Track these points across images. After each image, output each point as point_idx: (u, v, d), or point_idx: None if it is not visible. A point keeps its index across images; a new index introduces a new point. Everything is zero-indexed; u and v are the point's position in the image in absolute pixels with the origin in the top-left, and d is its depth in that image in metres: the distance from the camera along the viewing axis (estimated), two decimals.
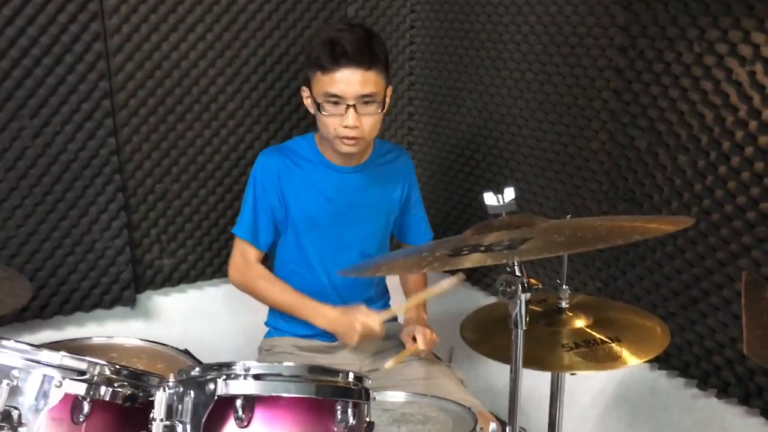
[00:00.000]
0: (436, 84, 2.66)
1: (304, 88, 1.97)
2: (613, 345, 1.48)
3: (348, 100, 1.85)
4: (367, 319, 1.92)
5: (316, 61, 1.86)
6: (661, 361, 2.04)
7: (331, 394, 1.25)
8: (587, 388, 2.29)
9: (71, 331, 2.24)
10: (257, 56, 2.36)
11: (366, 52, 1.85)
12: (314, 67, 1.87)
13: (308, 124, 2.46)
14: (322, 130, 1.95)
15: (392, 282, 2.27)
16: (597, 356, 1.45)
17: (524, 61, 2.28)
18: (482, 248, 1.25)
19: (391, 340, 2.08)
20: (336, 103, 1.86)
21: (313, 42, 1.92)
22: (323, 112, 1.88)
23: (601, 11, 2.01)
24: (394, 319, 2.18)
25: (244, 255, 2.05)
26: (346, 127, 1.87)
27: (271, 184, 2.01)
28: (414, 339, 1.95)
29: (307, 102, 1.97)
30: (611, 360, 1.45)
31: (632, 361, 1.45)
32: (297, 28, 2.40)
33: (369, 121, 1.89)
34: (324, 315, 1.99)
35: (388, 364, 1.84)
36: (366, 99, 1.86)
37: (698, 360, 1.95)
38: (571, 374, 1.58)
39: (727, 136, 1.77)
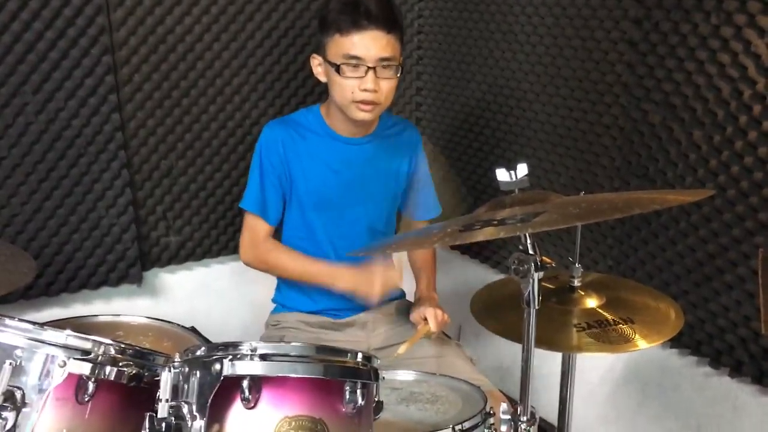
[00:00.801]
0: (445, 58, 2.61)
1: (315, 55, 1.93)
2: (625, 327, 1.46)
3: (368, 62, 1.82)
4: (387, 273, 1.90)
5: (334, 23, 1.83)
6: (672, 340, 2.01)
7: (339, 375, 1.23)
8: (597, 366, 2.27)
9: (77, 309, 2.23)
10: (263, 30, 2.32)
11: (389, 14, 1.83)
12: (332, 29, 1.84)
13: (315, 99, 2.43)
14: (336, 97, 1.90)
15: None
16: (609, 338, 1.43)
17: (535, 33, 2.23)
18: (495, 222, 1.23)
19: (401, 318, 2.06)
20: (356, 66, 1.83)
21: (330, 5, 1.88)
22: (342, 75, 1.84)
23: None
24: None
25: (254, 232, 2.03)
26: (364, 90, 1.83)
27: (276, 156, 1.98)
28: (425, 320, 1.93)
29: (318, 70, 1.93)
30: (624, 342, 1.43)
31: (645, 344, 1.43)
32: (303, 0, 2.35)
33: (387, 86, 1.86)
34: (342, 278, 1.95)
35: (401, 349, 1.83)
36: (385, 62, 1.84)
37: (711, 338, 1.93)
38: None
39: (744, 110, 1.73)
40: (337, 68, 1.84)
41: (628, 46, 1.96)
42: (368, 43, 1.81)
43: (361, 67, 1.83)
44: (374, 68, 1.82)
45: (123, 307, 2.27)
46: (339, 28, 1.83)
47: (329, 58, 1.87)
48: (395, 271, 1.92)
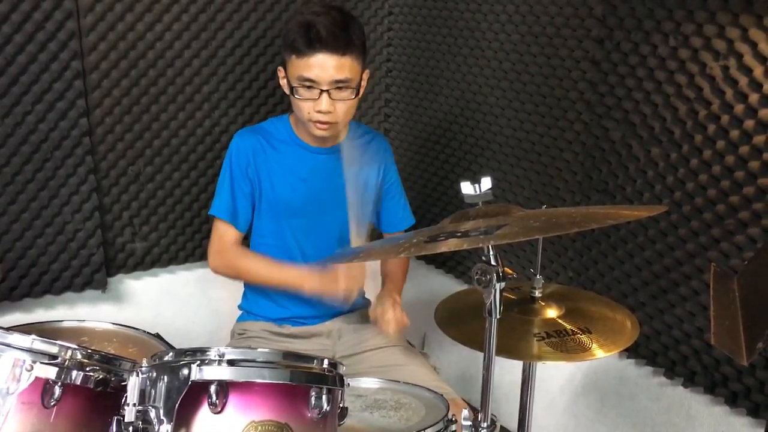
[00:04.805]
0: (413, 71, 2.66)
1: (281, 68, 1.96)
2: (583, 337, 1.50)
3: (321, 85, 1.84)
4: (352, 272, 1.92)
5: (291, 45, 1.86)
6: (629, 350, 2.07)
7: (305, 380, 1.25)
8: (557, 375, 2.32)
9: (40, 314, 2.22)
10: (234, 39, 2.33)
11: (341, 36, 1.83)
12: (289, 50, 1.87)
13: (284, 108, 2.45)
14: (296, 113, 1.94)
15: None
16: (567, 347, 1.47)
17: (502, 50, 2.28)
18: (459, 234, 1.26)
19: (366, 327, 2.09)
20: (310, 88, 1.86)
21: (290, 24, 1.90)
22: (297, 96, 1.88)
23: (578, 2, 2.02)
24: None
25: (223, 238, 2.04)
26: (319, 111, 1.86)
27: (246, 163, 2.00)
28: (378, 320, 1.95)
29: (283, 83, 1.96)
30: (581, 351, 1.47)
31: (601, 353, 1.47)
32: (275, 11, 2.38)
33: (343, 107, 1.89)
34: (310, 280, 1.96)
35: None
36: (340, 84, 1.86)
37: (666, 349, 1.99)
38: (542, 363, 1.60)
39: (699, 130, 1.79)
40: (292, 90, 1.87)
41: (591, 65, 2.02)
42: (321, 67, 1.83)
43: (314, 89, 1.85)
44: (328, 91, 1.84)
45: (87, 313, 2.26)
46: (295, 50, 1.85)
47: (288, 77, 1.90)
48: (359, 270, 1.93)
